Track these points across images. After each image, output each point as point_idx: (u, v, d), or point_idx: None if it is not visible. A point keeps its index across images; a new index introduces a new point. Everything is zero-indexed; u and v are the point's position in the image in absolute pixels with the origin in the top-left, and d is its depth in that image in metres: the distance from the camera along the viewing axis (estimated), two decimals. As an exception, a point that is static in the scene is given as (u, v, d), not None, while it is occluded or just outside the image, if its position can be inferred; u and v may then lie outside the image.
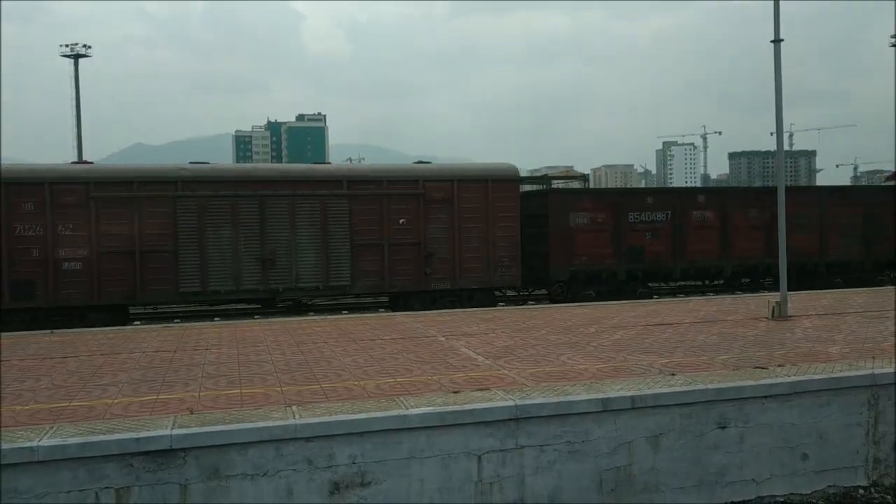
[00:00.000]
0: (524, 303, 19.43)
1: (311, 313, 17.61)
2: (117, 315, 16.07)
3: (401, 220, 17.30)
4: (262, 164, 17.92)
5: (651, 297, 18.58)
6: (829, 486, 7.71)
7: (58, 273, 15.38)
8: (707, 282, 21.19)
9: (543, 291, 19.85)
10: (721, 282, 20.88)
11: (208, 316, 18.15)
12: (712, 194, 21.32)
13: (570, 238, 18.85)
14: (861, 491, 7.74)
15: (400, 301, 17.70)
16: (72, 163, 19.70)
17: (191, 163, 17.65)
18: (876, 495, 7.69)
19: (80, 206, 15.51)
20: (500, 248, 17.80)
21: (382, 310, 18.72)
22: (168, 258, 16.00)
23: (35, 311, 15.38)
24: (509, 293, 19.56)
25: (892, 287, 17.39)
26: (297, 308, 17.91)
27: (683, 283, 21.45)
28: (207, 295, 16.51)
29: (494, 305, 17.45)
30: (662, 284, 21.29)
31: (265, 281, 16.58)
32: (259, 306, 17.72)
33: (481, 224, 17.70)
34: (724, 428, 7.38)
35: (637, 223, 19.46)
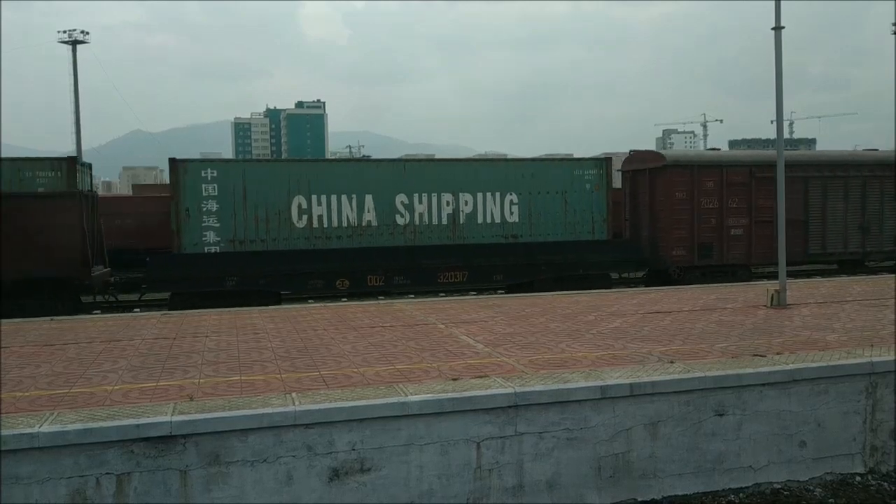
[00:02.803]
0: None
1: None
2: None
3: None
4: (861, 151, 24.10)
5: None
6: (827, 473, 7.75)
7: (728, 238, 19.76)
8: None
9: None
10: None
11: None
12: None
13: None
14: (858, 478, 7.78)
15: None
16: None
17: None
18: (873, 482, 7.73)
19: (744, 185, 19.85)
20: None
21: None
22: (799, 226, 19.92)
23: (705, 268, 19.69)
24: None
25: (891, 275, 17.41)
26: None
27: None
28: (825, 256, 20.94)
29: None
30: None
31: (862, 244, 20.94)
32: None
33: None
34: (722, 415, 7.41)
35: None
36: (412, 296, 18.33)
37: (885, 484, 7.71)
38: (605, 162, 19.91)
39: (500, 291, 19.05)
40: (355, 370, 7.88)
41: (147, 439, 6.06)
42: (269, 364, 8.29)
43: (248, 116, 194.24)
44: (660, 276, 20.17)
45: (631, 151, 21.80)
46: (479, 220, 18.83)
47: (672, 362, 7.93)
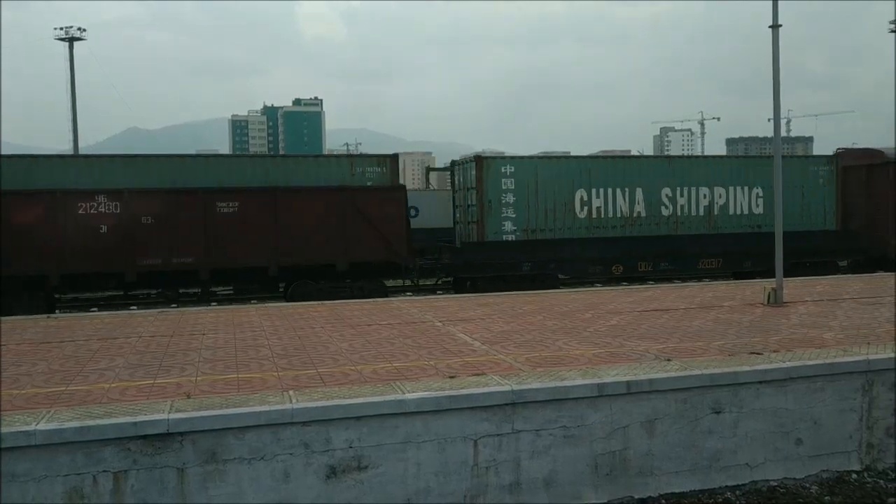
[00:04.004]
0: None
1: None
2: None
3: None
4: None
5: None
6: (823, 470, 7.76)
7: None
8: None
9: None
10: None
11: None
12: None
13: None
14: (854, 475, 7.79)
15: None
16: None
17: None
18: (869, 480, 7.74)
19: None
20: None
21: None
22: None
23: None
24: None
25: (889, 274, 17.45)
26: None
27: None
28: None
29: None
30: None
31: None
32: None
33: None
34: (718, 413, 7.42)
35: None
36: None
37: (882, 481, 7.73)
38: (836, 158, 22.12)
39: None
40: (353, 368, 7.88)
41: (144, 437, 6.05)
42: (267, 361, 8.29)
43: (246, 114, 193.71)
44: (870, 262, 21.74)
45: (838, 150, 23.81)
46: (731, 211, 21.09)
47: (669, 360, 7.95)
